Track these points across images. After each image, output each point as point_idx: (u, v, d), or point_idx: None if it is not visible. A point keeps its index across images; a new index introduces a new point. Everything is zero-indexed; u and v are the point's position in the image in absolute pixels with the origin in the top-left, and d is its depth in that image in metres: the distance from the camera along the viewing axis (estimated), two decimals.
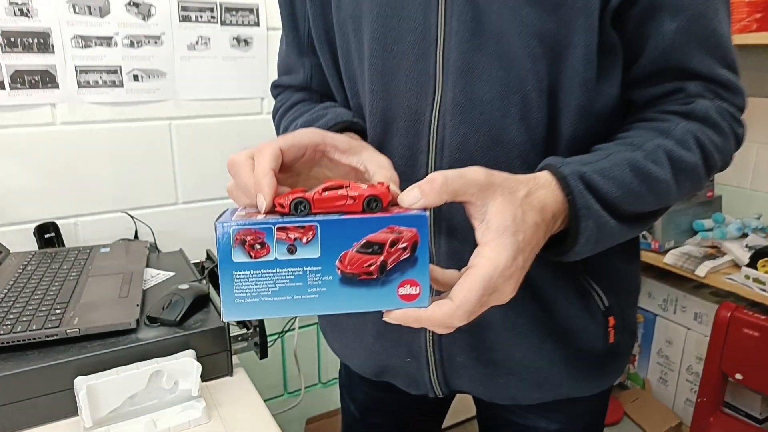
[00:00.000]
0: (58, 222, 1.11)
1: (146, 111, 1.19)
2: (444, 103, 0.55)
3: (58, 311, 0.79)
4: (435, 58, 0.54)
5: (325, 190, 0.41)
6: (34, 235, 1.06)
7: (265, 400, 1.44)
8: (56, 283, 0.89)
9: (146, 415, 0.73)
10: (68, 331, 0.75)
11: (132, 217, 1.19)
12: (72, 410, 0.71)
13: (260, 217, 0.41)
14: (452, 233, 0.58)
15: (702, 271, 1.75)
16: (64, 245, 1.10)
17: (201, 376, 0.75)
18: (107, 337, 0.77)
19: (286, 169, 0.47)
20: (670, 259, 1.78)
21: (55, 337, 0.74)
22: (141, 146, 1.20)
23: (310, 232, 0.40)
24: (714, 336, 1.67)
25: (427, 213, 0.41)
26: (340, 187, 0.41)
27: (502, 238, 0.42)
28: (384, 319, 0.43)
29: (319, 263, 0.40)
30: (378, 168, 0.47)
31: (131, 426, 0.71)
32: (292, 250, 0.40)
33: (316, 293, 0.41)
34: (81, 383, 0.69)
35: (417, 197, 0.42)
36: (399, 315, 0.42)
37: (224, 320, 0.39)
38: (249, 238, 0.39)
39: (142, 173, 1.21)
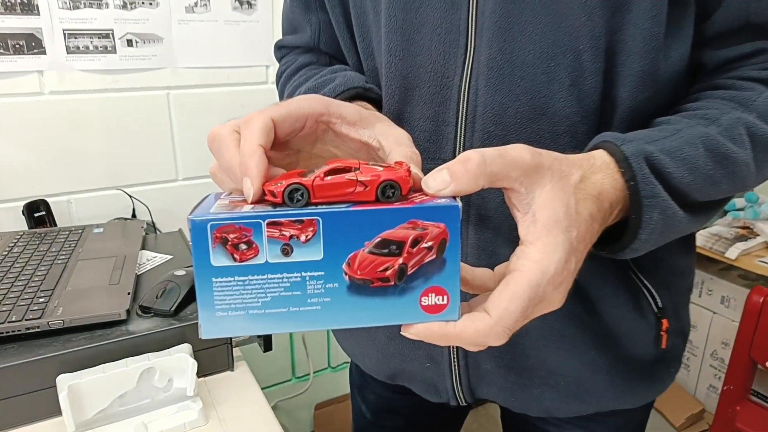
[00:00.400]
0: (49, 200, 1.03)
1: (142, 79, 1.10)
2: (477, 65, 0.46)
3: (41, 300, 0.72)
4: (467, 10, 0.45)
5: (328, 173, 0.33)
6: (23, 214, 0.99)
7: (272, 386, 1.41)
8: (42, 268, 0.82)
9: (137, 417, 0.66)
10: (51, 322, 0.68)
11: (128, 194, 1.12)
12: (56, 409, 0.64)
13: (246, 209, 0.32)
14: (483, 222, 0.49)
15: (733, 253, 1.66)
16: (56, 224, 1.03)
17: (199, 370, 0.69)
18: (94, 329, 0.70)
19: (282, 146, 0.39)
20: (698, 241, 1.69)
21: (37, 330, 0.67)
22: (137, 118, 1.12)
23: (310, 229, 0.31)
24: (744, 321, 1.59)
25: (459, 203, 0.33)
26: (348, 169, 0.33)
27: (552, 236, 0.34)
28: (403, 333, 0.35)
29: (322, 267, 0.32)
30: (395, 144, 0.38)
31: (120, 429, 0.65)
32: (287, 251, 0.32)
33: (318, 304, 0.33)
34: (63, 382, 0.62)
35: (446, 181, 0.33)
36: (421, 330, 0.34)
37: (203, 338, 0.31)
38: (232, 235, 0.31)
39: (138, 147, 1.13)
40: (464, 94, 0.47)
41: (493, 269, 0.40)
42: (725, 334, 1.87)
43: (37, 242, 0.92)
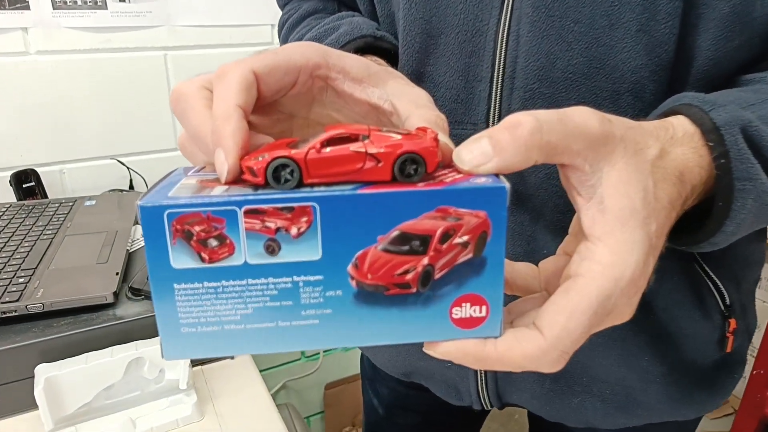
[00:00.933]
0: (39, 170, 0.96)
1: (136, 39, 1.01)
2: (519, 5, 0.37)
3: (21, 280, 0.66)
4: None
5: (327, 143, 0.24)
6: (11, 185, 0.92)
7: (281, 365, 1.35)
8: (26, 244, 0.75)
9: (124, 411, 0.60)
10: (29, 306, 0.62)
11: (123, 164, 1.04)
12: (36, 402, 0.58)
13: (218, 191, 0.24)
14: (521, 201, 0.40)
15: None
16: (46, 196, 0.96)
17: (195, 359, 0.62)
18: (78, 313, 0.64)
19: (269, 109, 0.30)
20: None
21: (14, 314, 0.61)
22: (133, 81, 1.03)
23: (303, 218, 0.23)
24: None
25: (507, 183, 0.24)
26: (355, 137, 0.24)
27: (627, 230, 0.25)
28: (426, 352, 0.27)
29: (321, 270, 0.24)
30: (412, 106, 0.30)
31: (105, 425, 0.59)
32: (272, 249, 0.24)
33: (316, 318, 0.25)
34: (40, 374, 0.56)
35: (486, 154, 0.25)
36: (452, 349, 0.26)
37: (165, 359, 0.23)
38: (197, 228, 0.23)
39: (135, 113, 1.05)
40: (502, 41, 0.38)
41: (531, 259, 0.32)
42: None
43: (24, 215, 0.85)
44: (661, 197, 0.27)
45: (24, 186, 0.94)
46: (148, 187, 0.25)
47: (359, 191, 0.23)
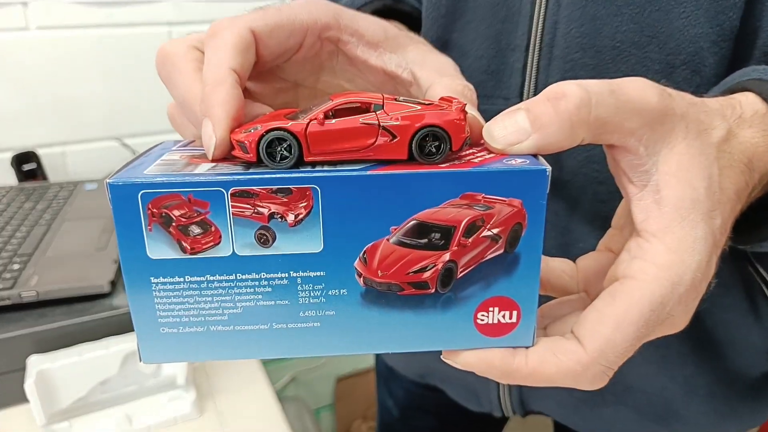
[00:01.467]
0: (40, 151, 0.93)
1: (140, 14, 0.98)
2: None
3: (15, 267, 0.63)
4: None
5: (332, 113, 0.20)
6: (12, 167, 0.90)
7: (292, 358, 1.32)
8: (23, 229, 0.72)
9: (121, 406, 0.57)
10: (23, 294, 0.59)
11: (128, 146, 1.01)
12: None
13: (203, 169, 0.20)
14: (555, 187, 0.36)
15: None
16: (47, 179, 0.93)
17: None
18: (73, 302, 0.61)
19: (271, 76, 0.26)
20: None
21: (7, 302, 0.58)
22: (136, 58, 0.99)
23: (302, 203, 0.19)
24: None
25: (547, 166, 0.20)
26: (365, 107, 0.21)
27: (688, 225, 0.22)
28: (445, 360, 0.23)
29: (322, 264, 0.20)
30: (436, 75, 0.26)
31: (100, 420, 0.56)
32: (265, 239, 0.20)
33: (317, 320, 0.21)
34: (32, 367, 0.53)
35: (524, 130, 0.21)
36: (474, 360, 0.23)
37: (143, 363, 0.19)
38: (177, 212, 0.19)
39: (139, 92, 1.01)
40: (540, 4, 0.33)
41: (564, 254, 0.29)
42: None
43: (24, 199, 0.83)
44: (727, 187, 0.23)
45: (25, 168, 0.91)
46: (125, 163, 0.21)
47: (369, 172, 0.20)
